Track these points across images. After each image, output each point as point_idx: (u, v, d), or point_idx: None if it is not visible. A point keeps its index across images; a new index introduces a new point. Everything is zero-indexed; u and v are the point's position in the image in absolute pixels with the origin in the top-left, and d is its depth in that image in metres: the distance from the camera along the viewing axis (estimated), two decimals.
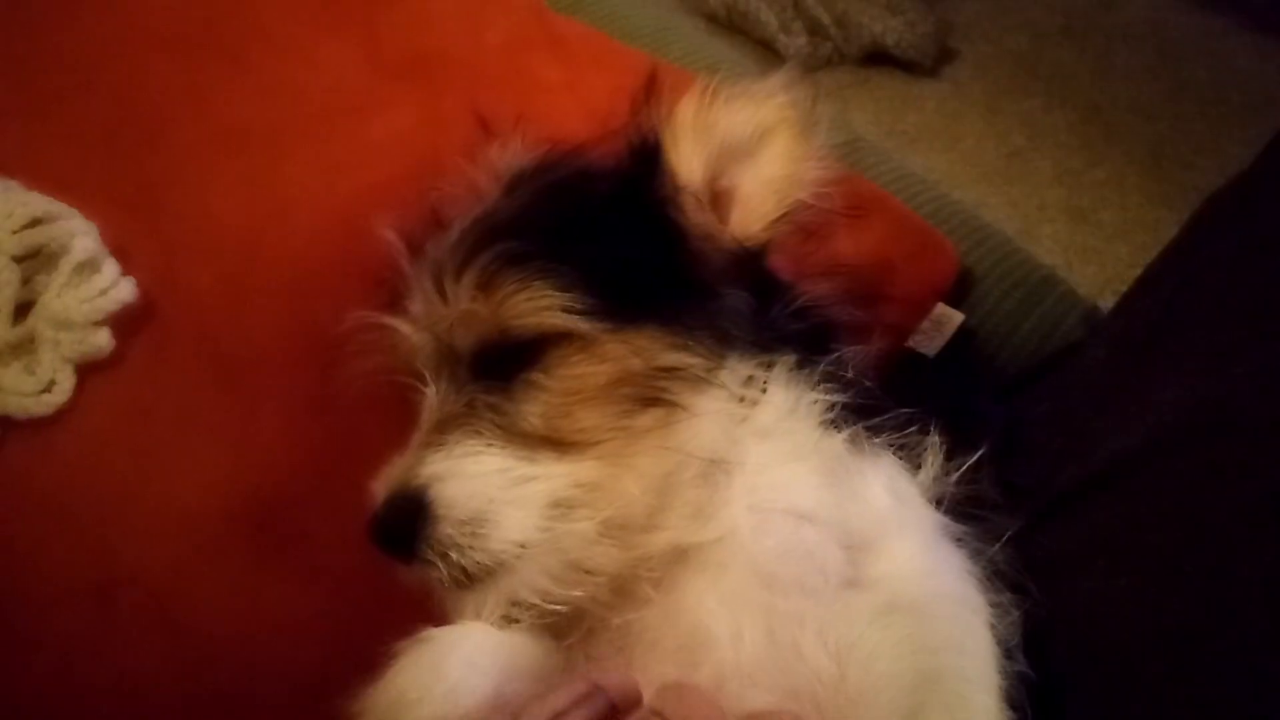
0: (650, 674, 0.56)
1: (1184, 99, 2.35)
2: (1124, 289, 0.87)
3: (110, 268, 0.74)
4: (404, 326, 0.65)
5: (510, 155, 0.75)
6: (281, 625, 0.72)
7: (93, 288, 0.72)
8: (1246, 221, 0.71)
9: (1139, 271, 0.84)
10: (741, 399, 0.62)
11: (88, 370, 0.73)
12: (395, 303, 0.68)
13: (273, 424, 0.75)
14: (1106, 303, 1.01)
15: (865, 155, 1.01)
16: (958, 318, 0.89)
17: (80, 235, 0.73)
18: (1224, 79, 2.40)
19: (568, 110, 0.88)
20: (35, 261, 0.73)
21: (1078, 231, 2.01)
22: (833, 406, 0.62)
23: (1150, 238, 1.92)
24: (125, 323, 0.74)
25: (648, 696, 0.48)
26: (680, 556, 0.59)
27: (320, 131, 0.85)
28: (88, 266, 0.73)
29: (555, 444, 0.59)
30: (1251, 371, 0.61)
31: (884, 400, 0.63)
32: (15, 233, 0.71)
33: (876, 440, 0.62)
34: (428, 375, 0.64)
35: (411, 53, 0.91)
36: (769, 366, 0.63)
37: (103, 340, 0.72)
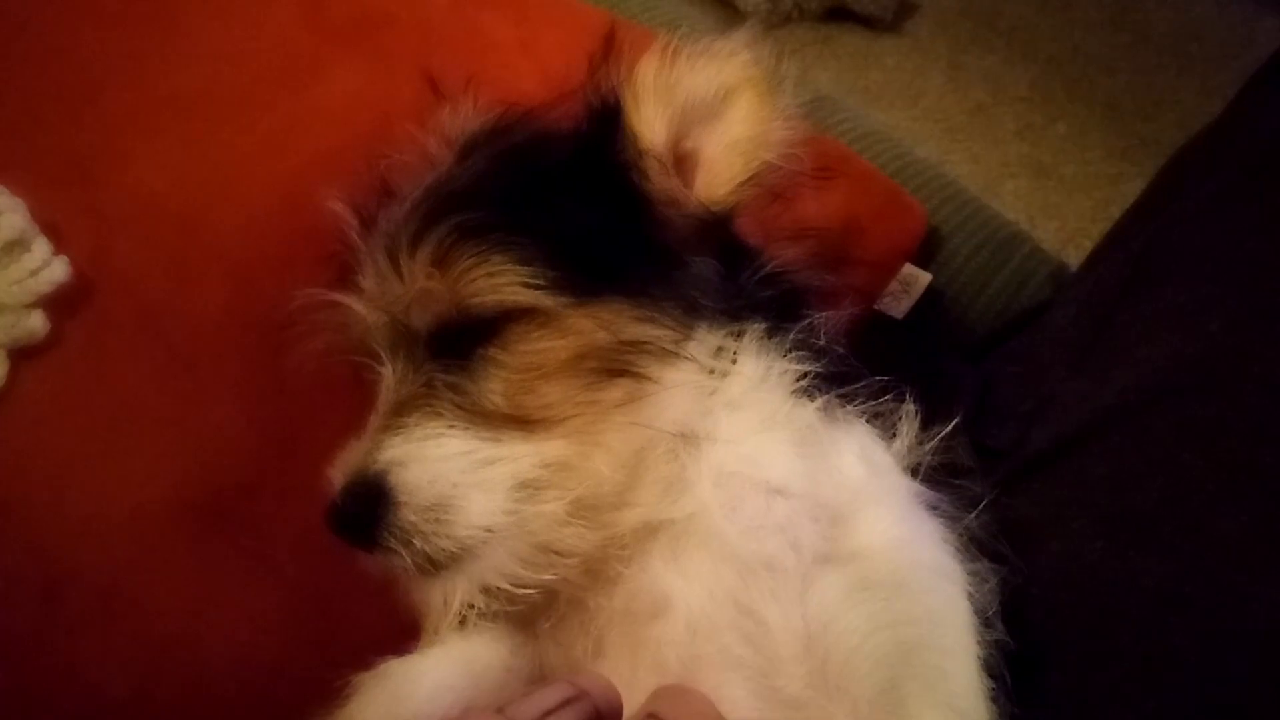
0: (622, 658, 0.55)
1: (1144, 51, 2.36)
2: (1087, 244, 0.87)
3: (41, 246, 0.70)
4: (357, 304, 0.63)
5: (462, 119, 0.72)
6: (236, 618, 0.70)
7: (23, 268, 0.68)
8: (1215, 175, 0.71)
9: (1101, 226, 0.84)
10: (711, 370, 0.60)
11: (21, 356, 0.69)
12: (346, 279, 0.65)
13: (220, 408, 0.73)
14: (1070, 258, 1.01)
15: (830, 114, 0.99)
16: (925, 278, 0.89)
17: (7, 212, 0.69)
18: (1183, 31, 2.41)
19: (522, 71, 0.85)
20: None
21: (1040, 186, 2.01)
22: (804, 375, 0.60)
23: (1112, 191, 1.93)
24: (60, 304, 0.70)
25: (645, 698, 0.47)
26: (651, 532, 0.58)
27: (261, 98, 0.81)
28: (17, 245, 0.69)
29: (520, 422, 0.57)
30: (1226, 326, 0.61)
31: (856, 368, 0.62)
32: None
33: (849, 409, 0.61)
34: (383, 354, 0.61)
35: (356, 13, 0.87)
36: (738, 336, 0.61)
37: (36, 324, 0.69)
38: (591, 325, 0.58)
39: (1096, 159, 2.09)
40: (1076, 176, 2.04)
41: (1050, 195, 2.00)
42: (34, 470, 0.69)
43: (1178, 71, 2.30)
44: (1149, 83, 2.28)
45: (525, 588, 0.55)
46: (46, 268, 0.69)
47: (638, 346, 0.58)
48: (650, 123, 0.63)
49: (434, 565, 0.55)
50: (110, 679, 0.68)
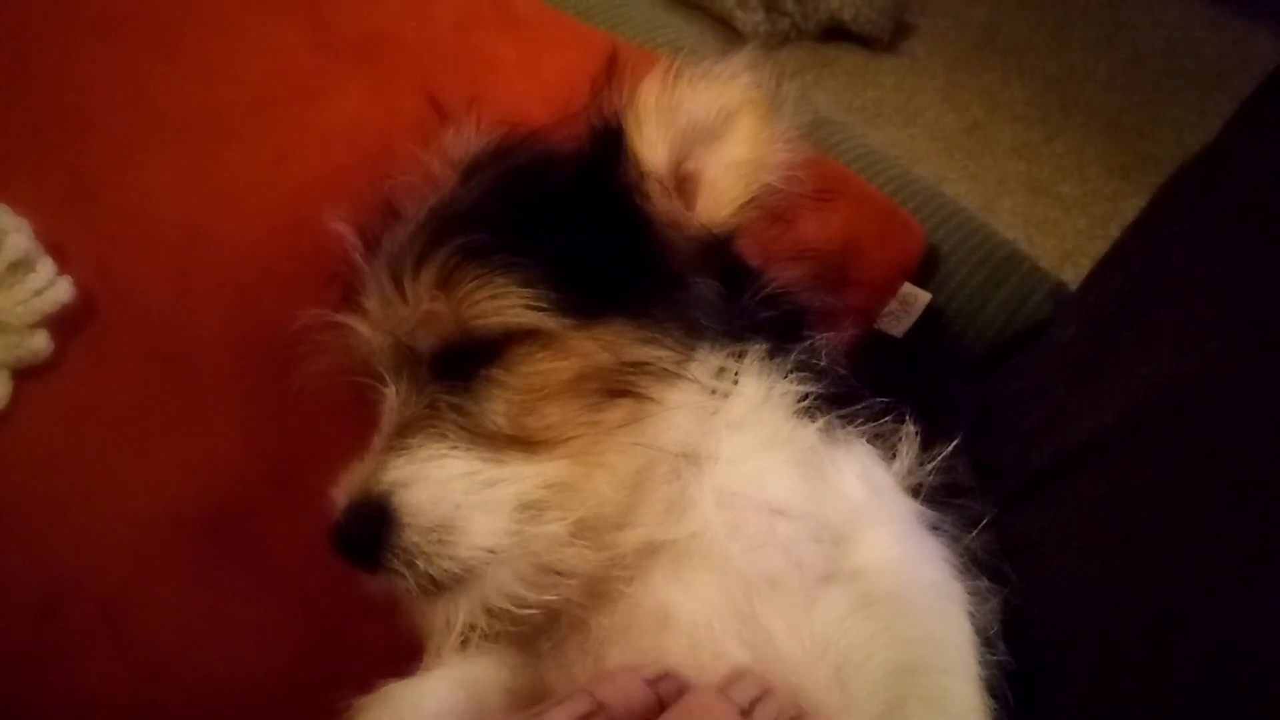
0: None
1: (1140, 70, 2.38)
2: (1085, 261, 0.87)
3: (45, 266, 0.70)
4: (360, 325, 0.63)
5: (465, 140, 0.73)
6: (238, 635, 0.70)
7: (27, 288, 0.69)
8: (1213, 196, 0.71)
9: (1099, 243, 0.84)
10: (713, 391, 0.60)
11: (25, 375, 0.69)
12: (349, 299, 0.65)
13: (223, 427, 0.73)
14: (1068, 275, 1.01)
15: (829, 134, 0.99)
16: (925, 297, 0.89)
17: (11, 232, 0.69)
18: (1178, 49, 2.43)
19: (524, 92, 0.85)
20: None
21: (1037, 204, 2.02)
22: (805, 396, 0.61)
23: (1109, 209, 1.93)
24: (64, 324, 0.71)
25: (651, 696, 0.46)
26: (653, 552, 0.57)
27: (264, 117, 0.81)
28: (21, 265, 0.69)
29: (522, 443, 0.57)
30: (1224, 347, 0.61)
31: (857, 388, 0.62)
32: None
33: (850, 429, 0.61)
34: (387, 375, 0.61)
35: (359, 33, 0.87)
36: (740, 356, 0.61)
37: (40, 343, 0.69)
38: (594, 346, 0.58)
39: (1093, 176, 2.10)
40: (1073, 194, 2.05)
41: (1048, 212, 2.00)
42: (36, 488, 0.69)
43: (1174, 90, 2.31)
44: (1145, 101, 2.29)
45: (528, 608, 0.55)
46: (51, 288, 0.69)
47: (640, 367, 0.58)
48: (652, 145, 0.63)
49: (437, 586, 0.55)
50: (110, 696, 0.68)
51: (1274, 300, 0.61)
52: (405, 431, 0.58)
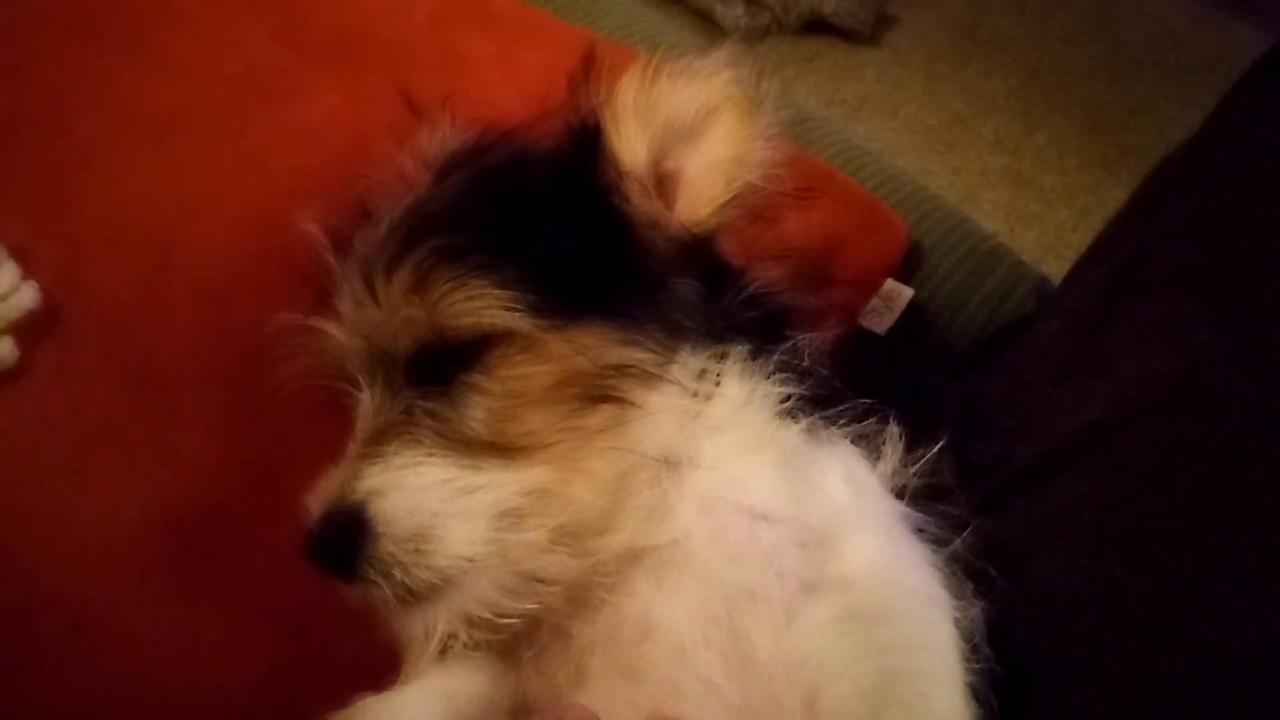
0: (604, 684, 0.55)
1: (1120, 62, 2.39)
2: (1067, 253, 0.87)
3: (10, 271, 0.69)
4: (333, 329, 0.62)
5: (441, 139, 0.71)
6: (213, 646, 0.69)
7: None
8: (1197, 189, 0.71)
9: (1081, 235, 0.84)
10: (694, 393, 0.59)
11: None
12: (322, 302, 0.64)
13: (195, 435, 0.72)
14: (1050, 268, 1.01)
15: (810, 130, 0.99)
16: (908, 293, 0.88)
17: None
18: (1158, 41, 2.44)
19: (500, 89, 0.84)
20: None
21: (1019, 197, 2.03)
22: (788, 398, 0.60)
23: (1091, 200, 1.94)
24: (30, 330, 0.70)
25: None
26: (635, 557, 0.57)
27: (236, 118, 0.80)
28: None
29: (501, 450, 0.56)
30: (1209, 341, 0.61)
31: (840, 389, 0.62)
32: None
33: (834, 430, 0.60)
34: (361, 380, 0.60)
35: (333, 31, 0.86)
36: (722, 358, 0.61)
37: (4, 350, 0.68)
38: (572, 350, 0.57)
39: (1075, 168, 2.10)
40: (1055, 186, 2.06)
41: (1029, 205, 2.01)
42: (4, 497, 0.68)
43: (1154, 81, 2.33)
44: (1126, 92, 2.30)
45: (508, 617, 0.54)
46: (15, 293, 0.68)
47: (620, 370, 0.58)
48: (630, 144, 0.62)
49: (414, 596, 0.54)
50: (84, 708, 0.67)
51: (1259, 293, 0.61)
52: (381, 438, 0.57)
